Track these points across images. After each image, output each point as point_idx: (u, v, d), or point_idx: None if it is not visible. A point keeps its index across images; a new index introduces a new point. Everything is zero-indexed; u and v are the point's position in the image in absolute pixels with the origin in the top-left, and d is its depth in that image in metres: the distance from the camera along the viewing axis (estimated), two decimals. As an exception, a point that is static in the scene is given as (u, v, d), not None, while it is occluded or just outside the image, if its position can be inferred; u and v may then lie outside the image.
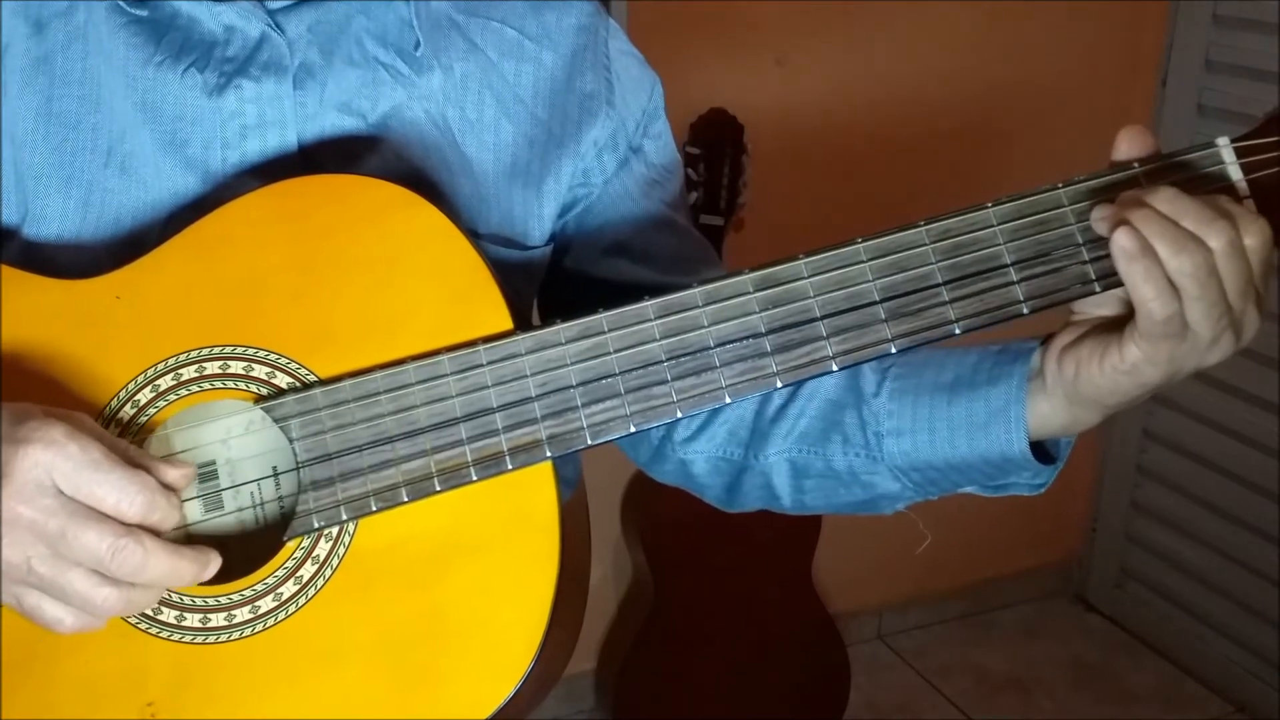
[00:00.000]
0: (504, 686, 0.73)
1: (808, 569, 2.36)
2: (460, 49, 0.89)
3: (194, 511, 0.78)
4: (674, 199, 0.98)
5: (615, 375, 0.76)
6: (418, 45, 0.86)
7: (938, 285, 0.76)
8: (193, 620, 0.74)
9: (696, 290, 0.77)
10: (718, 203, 2.03)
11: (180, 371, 0.77)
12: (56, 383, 0.76)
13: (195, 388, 0.77)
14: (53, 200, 0.81)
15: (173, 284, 0.78)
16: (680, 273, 0.90)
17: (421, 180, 0.85)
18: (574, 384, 0.76)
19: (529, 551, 0.75)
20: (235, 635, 0.74)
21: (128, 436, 0.76)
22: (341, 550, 0.75)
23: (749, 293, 0.77)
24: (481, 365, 0.76)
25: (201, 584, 0.73)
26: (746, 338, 0.77)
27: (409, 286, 0.78)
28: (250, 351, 0.77)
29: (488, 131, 0.89)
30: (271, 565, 0.75)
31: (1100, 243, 0.75)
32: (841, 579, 2.60)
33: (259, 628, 0.74)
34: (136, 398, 0.77)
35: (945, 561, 2.68)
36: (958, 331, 0.76)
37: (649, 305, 0.77)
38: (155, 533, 0.69)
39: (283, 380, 0.77)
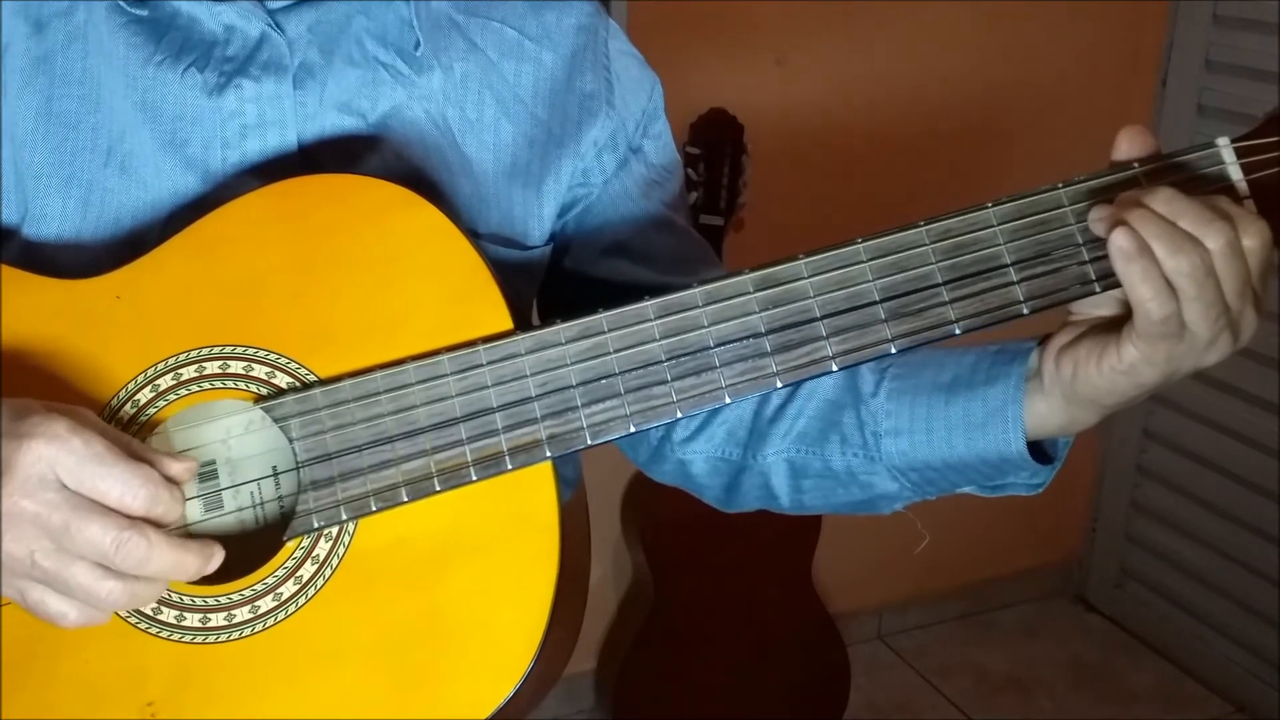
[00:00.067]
0: (504, 686, 0.73)
1: (808, 569, 2.36)
2: (460, 49, 0.89)
3: (194, 511, 0.78)
4: (674, 199, 0.98)
5: (615, 375, 0.76)
6: (418, 45, 0.86)
7: (938, 285, 0.76)
8: (193, 620, 0.74)
9: (696, 290, 0.77)
10: (718, 203, 2.03)
11: (180, 371, 0.77)
12: (57, 382, 0.76)
13: (195, 387, 0.77)
14: (53, 200, 0.81)
15: (173, 284, 0.78)
16: (680, 273, 0.90)
17: (421, 180, 0.85)
18: (574, 384, 0.76)
19: (529, 551, 0.75)
20: (235, 635, 0.74)
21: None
22: (341, 550, 0.75)
23: (749, 293, 0.77)
24: (481, 365, 0.76)
25: (201, 584, 0.74)
26: (746, 338, 0.77)
27: (409, 286, 0.78)
28: (250, 351, 0.77)
29: (488, 131, 0.89)
30: (271, 565, 0.75)
31: (1100, 243, 0.75)
32: (841, 579, 2.60)
33: (259, 627, 0.74)
34: (136, 397, 0.77)
35: (945, 561, 2.68)
36: (958, 332, 0.76)
37: (649, 305, 0.77)
38: (158, 526, 0.69)
39: (282, 380, 0.77)
